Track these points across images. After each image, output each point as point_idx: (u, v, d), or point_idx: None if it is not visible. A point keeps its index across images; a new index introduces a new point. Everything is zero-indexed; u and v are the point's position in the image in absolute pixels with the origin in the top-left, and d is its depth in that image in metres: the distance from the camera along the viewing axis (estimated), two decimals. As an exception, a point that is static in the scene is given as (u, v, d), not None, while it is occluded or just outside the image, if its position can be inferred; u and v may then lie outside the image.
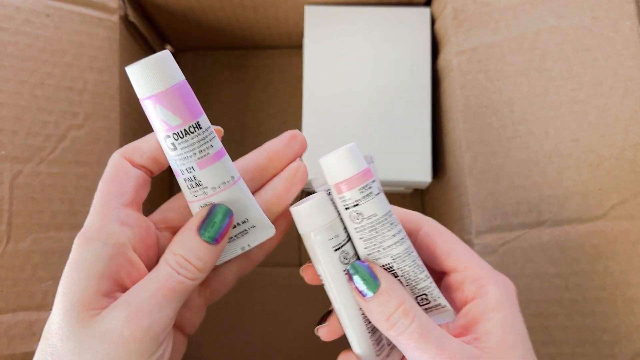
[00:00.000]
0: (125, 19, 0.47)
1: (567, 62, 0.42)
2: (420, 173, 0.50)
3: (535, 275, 0.40)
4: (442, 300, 0.28)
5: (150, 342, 0.25)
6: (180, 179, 0.27)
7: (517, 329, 0.27)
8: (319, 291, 0.65)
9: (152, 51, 0.57)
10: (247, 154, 0.31)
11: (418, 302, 0.28)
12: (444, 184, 0.51)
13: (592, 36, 0.41)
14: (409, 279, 0.28)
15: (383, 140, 0.51)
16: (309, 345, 0.58)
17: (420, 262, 0.28)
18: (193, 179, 0.27)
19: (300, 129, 0.51)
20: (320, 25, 0.53)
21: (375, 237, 0.27)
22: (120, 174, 0.27)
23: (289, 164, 0.31)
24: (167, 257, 0.26)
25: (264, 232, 0.29)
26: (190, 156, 0.26)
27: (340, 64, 0.52)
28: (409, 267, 0.28)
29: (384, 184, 0.52)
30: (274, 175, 0.31)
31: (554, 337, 0.39)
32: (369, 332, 0.28)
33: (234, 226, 0.28)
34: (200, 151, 0.26)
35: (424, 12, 0.52)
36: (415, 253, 0.28)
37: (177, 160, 0.26)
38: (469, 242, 0.43)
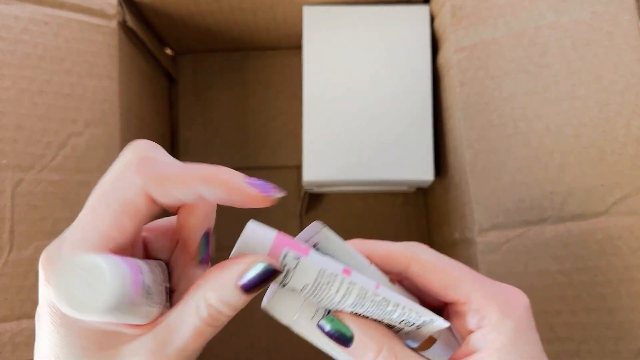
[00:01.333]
0: (123, 25, 0.48)
1: (567, 58, 0.42)
2: (423, 172, 0.50)
3: (538, 273, 0.40)
4: (426, 316, 0.26)
5: None
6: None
7: (521, 353, 0.25)
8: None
9: (151, 56, 0.57)
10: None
11: (402, 327, 0.27)
12: (446, 182, 0.51)
13: (591, 31, 0.41)
14: (379, 316, 0.26)
15: (384, 140, 0.50)
16: (314, 347, 0.58)
17: (382, 293, 0.25)
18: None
19: (301, 130, 0.51)
20: (320, 25, 0.53)
21: (322, 298, 0.25)
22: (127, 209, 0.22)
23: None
24: (200, 307, 0.23)
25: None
26: None
27: (340, 64, 0.52)
28: (372, 307, 0.25)
29: (387, 183, 0.52)
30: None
31: (558, 334, 0.39)
32: None
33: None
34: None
35: (423, 10, 0.52)
36: (371, 287, 0.25)
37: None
38: (471, 241, 0.43)
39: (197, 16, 0.55)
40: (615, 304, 0.38)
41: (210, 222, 0.26)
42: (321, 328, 0.26)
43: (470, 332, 0.27)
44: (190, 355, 0.24)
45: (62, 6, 0.43)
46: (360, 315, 0.26)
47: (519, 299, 0.27)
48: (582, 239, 0.39)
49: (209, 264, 0.26)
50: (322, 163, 0.51)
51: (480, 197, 0.43)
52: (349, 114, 0.51)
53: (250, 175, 0.25)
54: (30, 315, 0.38)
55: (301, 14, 0.54)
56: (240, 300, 0.23)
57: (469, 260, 0.44)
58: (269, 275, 0.23)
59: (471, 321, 0.26)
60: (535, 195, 0.41)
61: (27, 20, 0.42)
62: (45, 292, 0.23)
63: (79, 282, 0.20)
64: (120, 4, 0.47)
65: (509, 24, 0.44)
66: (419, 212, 0.63)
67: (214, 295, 0.23)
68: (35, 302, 0.39)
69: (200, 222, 0.25)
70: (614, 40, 0.40)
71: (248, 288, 0.23)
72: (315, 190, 0.57)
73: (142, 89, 0.53)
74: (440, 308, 0.29)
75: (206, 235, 0.26)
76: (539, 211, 0.41)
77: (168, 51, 0.65)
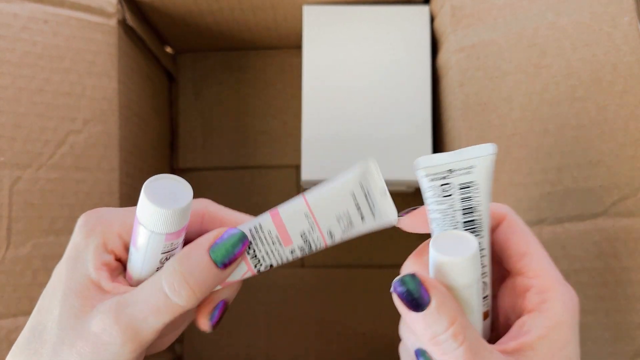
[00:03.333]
0: (123, 23, 0.48)
1: (566, 59, 0.41)
2: (421, 172, 0.50)
3: (536, 274, 0.40)
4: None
5: (130, 351, 0.25)
6: None
7: (566, 354, 0.25)
8: (323, 292, 0.65)
9: (151, 54, 0.57)
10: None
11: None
12: (445, 183, 0.51)
13: (591, 32, 0.41)
14: None
15: (383, 140, 0.51)
16: (312, 347, 0.58)
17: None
18: None
19: (300, 129, 0.51)
20: (319, 25, 0.53)
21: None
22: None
23: None
24: (165, 274, 0.25)
25: None
26: None
27: (340, 64, 0.52)
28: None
29: (386, 183, 0.52)
30: None
31: (555, 335, 0.39)
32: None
33: None
34: None
35: (422, 10, 0.52)
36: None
37: None
38: (469, 241, 0.43)
39: (197, 15, 0.55)
40: (613, 306, 0.38)
41: (232, 294, 0.29)
42: (395, 287, 0.25)
43: (525, 311, 0.26)
44: (151, 325, 0.25)
45: (61, 4, 0.43)
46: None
47: (575, 297, 0.27)
48: (580, 240, 0.39)
49: (216, 327, 0.29)
50: (321, 162, 0.51)
51: (478, 198, 0.43)
52: (348, 114, 0.51)
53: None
54: (27, 313, 0.38)
55: (301, 14, 0.54)
56: (207, 267, 0.25)
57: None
58: (238, 241, 0.25)
59: (532, 299, 0.26)
60: (533, 196, 0.41)
61: (27, 18, 0.42)
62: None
63: None
64: (120, 2, 0.47)
65: (509, 25, 0.44)
66: (418, 213, 0.63)
67: (183, 261, 0.25)
68: (31, 300, 0.39)
69: (223, 293, 0.28)
70: (613, 42, 0.40)
71: (214, 249, 0.25)
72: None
73: (142, 88, 0.53)
74: (502, 280, 0.29)
75: (222, 303, 0.28)
76: (536, 212, 0.41)
77: (168, 50, 0.65)
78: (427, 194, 0.26)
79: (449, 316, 0.24)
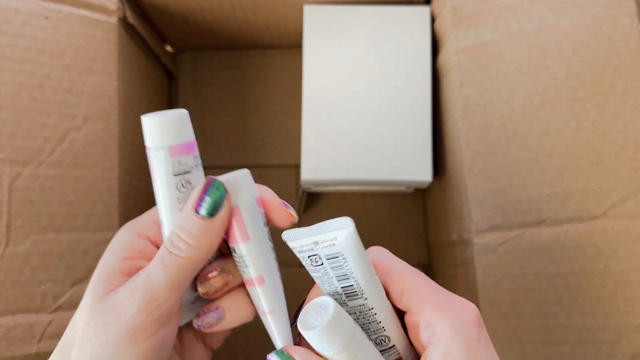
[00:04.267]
0: (123, 21, 0.47)
1: (566, 60, 0.42)
2: (421, 172, 0.50)
3: (535, 275, 0.40)
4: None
5: (149, 317, 0.26)
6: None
7: None
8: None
9: (151, 52, 0.57)
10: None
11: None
12: (444, 183, 0.51)
13: (591, 34, 0.41)
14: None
15: (383, 140, 0.50)
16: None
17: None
18: None
19: (300, 129, 0.51)
20: (320, 24, 0.53)
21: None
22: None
23: None
24: (167, 236, 0.28)
25: None
26: None
27: (340, 64, 0.52)
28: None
29: (385, 184, 0.52)
30: None
31: (553, 336, 0.39)
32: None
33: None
34: None
35: (423, 11, 0.52)
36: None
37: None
38: (469, 242, 0.43)
39: (198, 13, 0.55)
40: (611, 307, 0.38)
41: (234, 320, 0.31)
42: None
43: (424, 347, 0.26)
44: (160, 280, 0.26)
45: (62, 1, 0.43)
46: None
47: (470, 312, 0.27)
48: (579, 242, 0.39)
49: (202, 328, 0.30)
50: (321, 162, 0.50)
51: (478, 199, 0.43)
52: (348, 114, 0.51)
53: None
54: (26, 310, 0.38)
55: (301, 13, 0.54)
56: (195, 221, 0.26)
57: (465, 262, 0.45)
58: (218, 191, 0.27)
59: (424, 335, 0.26)
60: (533, 197, 0.41)
61: (27, 14, 0.42)
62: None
63: None
64: None
65: (509, 26, 0.44)
66: (416, 213, 0.63)
67: (176, 223, 0.27)
68: (30, 297, 0.39)
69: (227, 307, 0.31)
70: (613, 43, 0.40)
71: (200, 206, 0.27)
72: (314, 189, 0.57)
73: (142, 86, 0.53)
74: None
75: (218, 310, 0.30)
76: (536, 213, 0.41)
77: (168, 48, 0.65)
78: (302, 262, 0.27)
79: None
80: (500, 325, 0.40)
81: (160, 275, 0.26)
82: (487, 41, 0.44)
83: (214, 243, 0.27)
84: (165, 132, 0.26)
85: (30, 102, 0.41)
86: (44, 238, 0.39)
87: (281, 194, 0.30)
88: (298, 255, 0.27)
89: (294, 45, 0.63)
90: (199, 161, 0.28)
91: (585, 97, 0.40)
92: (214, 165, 0.63)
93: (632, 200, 0.38)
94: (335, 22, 0.52)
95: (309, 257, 0.26)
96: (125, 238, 0.29)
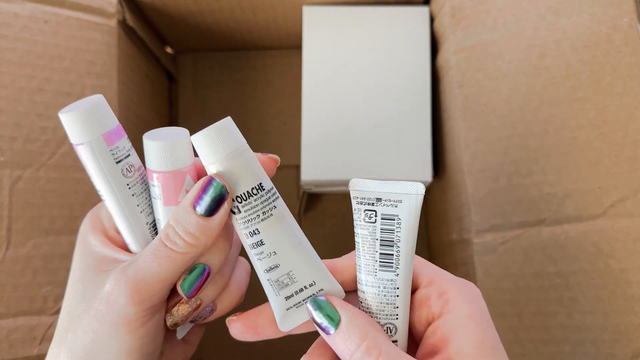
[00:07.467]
0: (123, 23, 0.48)
1: (565, 60, 0.41)
2: (421, 172, 0.50)
3: (534, 274, 0.40)
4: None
5: (140, 307, 0.26)
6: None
7: (490, 344, 0.25)
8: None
9: (151, 54, 0.58)
10: None
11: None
12: (444, 183, 0.51)
13: (590, 33, 0.41)
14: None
15: (383, 140, 0.51)
16: (310, 345, 0.58)
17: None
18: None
19: (300, 129, 0.51)
20: (319, 25, 0.53)
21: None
22: None
23: None
24: (163, 229, 0.27)
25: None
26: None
27: (340, 64, 0.52)
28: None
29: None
30: None
31: (554, 336, 0.39)
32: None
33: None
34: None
35: (422, 11, 0.52)
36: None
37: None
38: (468, 241, 0.43)
39: (198, 15, 0.55)
40: (611, 307, 0.38)
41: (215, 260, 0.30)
42: (311, 308, 0.27)
43: (434, 318, 0.27)
44: (153, 273, 0.26)
45: (62, 4, 0.43)
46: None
47: (474, 288, 0.27)
48: (579, 241, 0.39)
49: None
50: (321, 163, 0.51)
51: (477, 198, 0.43)
52: (348, 114, 0.51)
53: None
54: (27, 313, 0.38)
55: (301, 14, 0.54)
56: (193, 219, 0.26)
57: (465, 261, 0.45)
58: (218, 191, 0.26)
59: (435, 305, 0.27)
60: (533, 196, 0.41)
61: (27, 18, 0.42)
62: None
63: None
64: (120, 2, 0.47)
65: (508, 26, 0.44)
66: (417, 213, 0.63)
67: (173, 215, 0.27)
68: (31, 300, 0.39)
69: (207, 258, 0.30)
70: (612, 43, 0.40)
71: (198, 203, 0.26)
72: (314, 189, 0.57)
73: (142, 88, 0.53)
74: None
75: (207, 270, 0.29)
76: (536, 213, 0.41)
77: (168, 50, 0.65)
78: (354, 215, 0.27)
79: (359, 332, 0.25)
80: (500, 325, 0.40)
81: (152, 267, 0.26)
82: (486, 41, 0.44)
83: (210, 242, 0.27)
84: (94, 122, 0.26)
85: (31, 106, 0.41)
86: (45, 240, 0.40)
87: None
88: (355, 205, 0.26)
89: (294, 46, 0.63)
90: (130, 142, 0.28)
91: (585, 96, 0.40)
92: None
93: (632, 200, 0.38)
94: (335, 23, 0.52)
95: (365, 210, 0.26)
96: (96, 227, 0.29)
